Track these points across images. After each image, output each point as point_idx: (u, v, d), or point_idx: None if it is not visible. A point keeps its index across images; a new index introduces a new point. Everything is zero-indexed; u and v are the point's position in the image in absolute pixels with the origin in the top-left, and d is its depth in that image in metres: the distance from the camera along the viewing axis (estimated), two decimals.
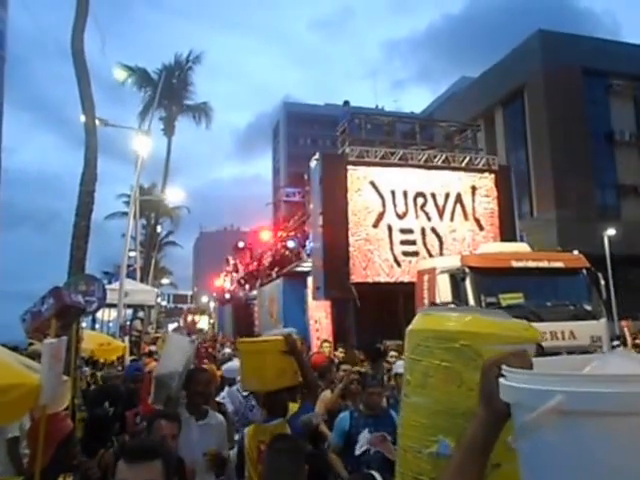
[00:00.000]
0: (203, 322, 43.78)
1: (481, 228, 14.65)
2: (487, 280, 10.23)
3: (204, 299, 58.83)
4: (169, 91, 32.52)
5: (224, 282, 32.64)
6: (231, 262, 30.40)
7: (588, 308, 10.28)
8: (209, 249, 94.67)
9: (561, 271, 10.47)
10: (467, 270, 10.30)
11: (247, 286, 26.02)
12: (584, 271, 10.59)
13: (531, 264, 10.36)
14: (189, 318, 43.69)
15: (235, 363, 6.70)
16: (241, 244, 28.56)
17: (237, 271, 28.48)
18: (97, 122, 17.39)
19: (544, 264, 10.42)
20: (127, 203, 37.00)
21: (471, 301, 10.08)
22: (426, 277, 11.75)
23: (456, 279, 10.42)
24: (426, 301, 11.79)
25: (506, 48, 27.37)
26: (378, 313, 13.90)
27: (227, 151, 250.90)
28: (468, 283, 10.22)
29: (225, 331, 32.53)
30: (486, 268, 10.25)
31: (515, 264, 10.30)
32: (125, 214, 36.37)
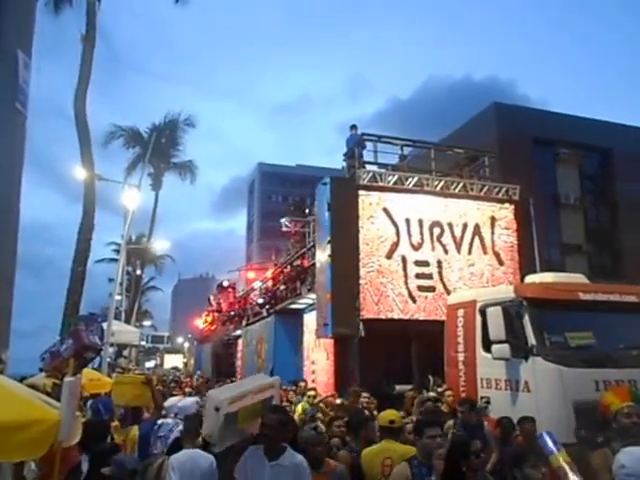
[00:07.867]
0: (177, 360, 44.09)
1: (501, 263, 11.64)
2: (550, 315, 7.22)
3: (179, 340, 57.38)
4: (157, 149, 30.61)
5: (204, 322, 28.79)
6: (213, 302, 26.60)
7: None
8: (186, 294, 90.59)
9: (634, 307, 7.57)
10: (525, 303, 7.31)
11: (231, 326, 22.32)
12: None
13: (601, 297, 7.42)
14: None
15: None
16: (226, 283, 24.98)
17: (220, 311, 24.73)
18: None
19: (616, 298, 7.49)
20: (116, 251, 34.61)
21: (532, 340, 7.05)
22: (461, 312, 8.66)
23: (509, 313, 7.36)
24: (461, 339, 8.72)
25: (452, 128, 25.99)
26: (384, 354, 10.67)
27: (204, 207, 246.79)
28: (527, 318, 7.20)
29: (203, 370, 28.88)
30: (549, 300, 7.26)
31: (583, 297, 7.34)
32: (113, 260, 34.94)
